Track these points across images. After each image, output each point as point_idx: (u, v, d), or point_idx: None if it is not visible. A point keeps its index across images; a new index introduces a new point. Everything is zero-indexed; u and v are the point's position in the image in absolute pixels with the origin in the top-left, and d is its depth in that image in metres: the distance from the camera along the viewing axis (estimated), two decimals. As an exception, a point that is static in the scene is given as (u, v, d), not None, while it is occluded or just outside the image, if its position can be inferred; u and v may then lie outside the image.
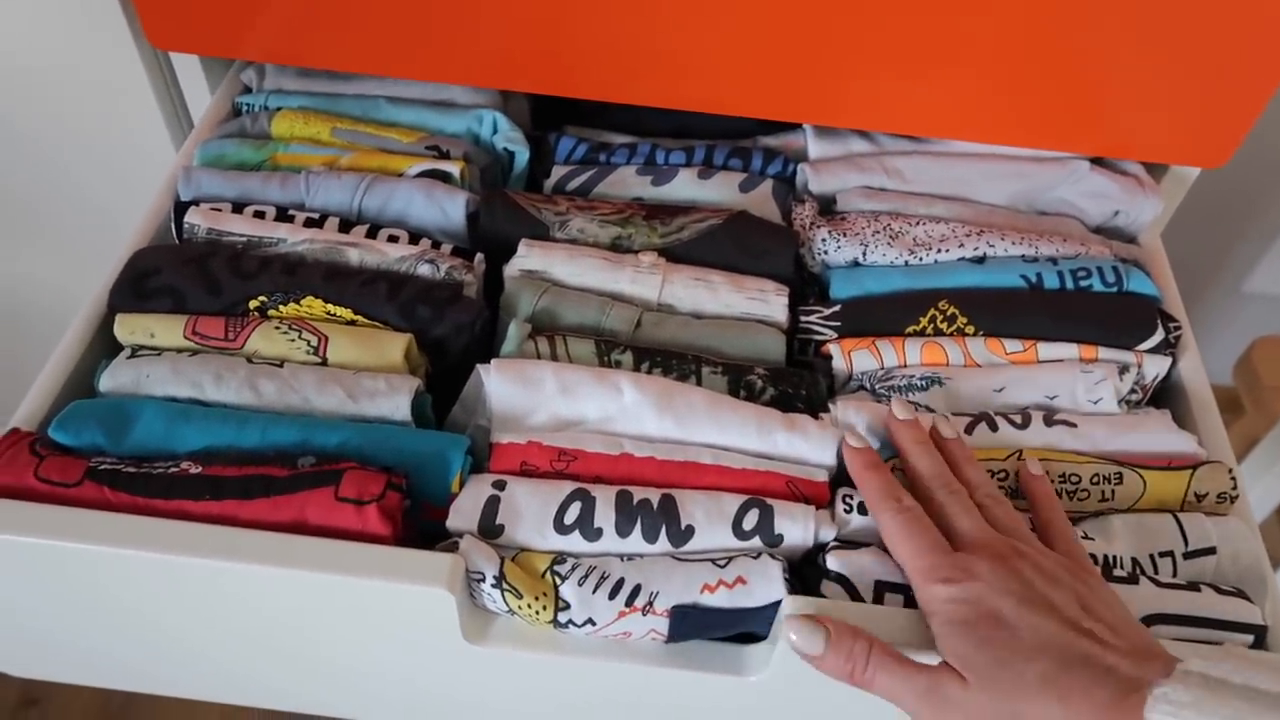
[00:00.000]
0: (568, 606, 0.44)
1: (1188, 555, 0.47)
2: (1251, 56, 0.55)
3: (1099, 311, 0.55)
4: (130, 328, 0.52)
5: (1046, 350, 0.54)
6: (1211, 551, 0.47)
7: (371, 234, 0.57)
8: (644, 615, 0.44)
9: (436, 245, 0.57)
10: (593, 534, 0.46)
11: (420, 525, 0.47)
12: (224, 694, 0.56)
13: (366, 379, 0.50)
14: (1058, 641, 0.37)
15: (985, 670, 0.38)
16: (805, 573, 0.46)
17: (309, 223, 0.57)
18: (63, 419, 0.47)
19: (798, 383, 0.53)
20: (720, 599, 0.44)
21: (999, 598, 0.39)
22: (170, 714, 1.17)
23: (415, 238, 0.57)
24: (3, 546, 0.43)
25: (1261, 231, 1.24)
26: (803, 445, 0.49)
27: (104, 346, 0.52)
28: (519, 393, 0.50)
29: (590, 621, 0.44)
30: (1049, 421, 0.51)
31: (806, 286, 0.60)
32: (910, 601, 0.44)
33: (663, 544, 0.46)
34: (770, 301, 0.56)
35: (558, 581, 0.44)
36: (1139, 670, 0.35)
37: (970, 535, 0.43)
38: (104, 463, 0.46)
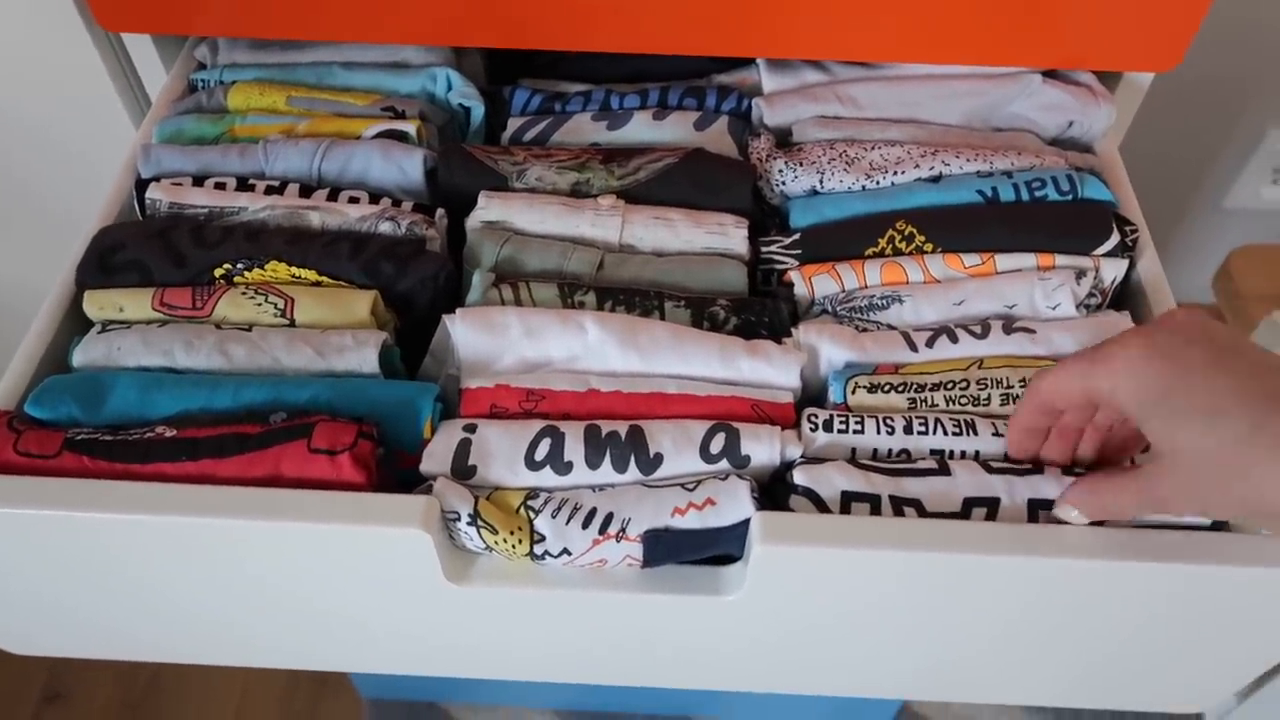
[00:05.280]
0: (543, 539, 0.45)
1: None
2: (1192, -46, 0.55)
3: (1054, 219, 0.55)
4: (99, 303, 0.52)
5: (1004, 261, 0.55)
6: (1172, 443, 0.48)
7: (332, 197, 0.57)
8: (618, 542, 0.45)
9: (397, 203, 0.57)
10: (563, 468, 0.47)
11: (396, 474, 0.48)
12: (220, 656, 0.58)
13: (334, 335, 0.51)
14: None
15: None
16: (775, 490, 0.47)
17: (269, 190, 0.58)
18: (38, 394, 0.48)
19: (760, 310, 0.53)
20: (691, 520, 0.45)
21: None
22: (188, 708, 1.18)
23: (375, 198, 0.58)
24: (-12, 520, 0.45)
25: (1240, 147, 1.23)
26: (766, 369, 0.50)
27: (75, 324, 0.53)
28: (485, 339, 0.50)
29: (566, 551, 0.45)
30: (1008, 330, 0.52)
31: (767, 219, 0.61)
32: (875, 510, 0.45)
33: (633, 473, 0.47)
34: (730, 234, 0.56)
35: (532, 515, 0.45)
36: None
37: None
38: (81, 433, 0.47)
